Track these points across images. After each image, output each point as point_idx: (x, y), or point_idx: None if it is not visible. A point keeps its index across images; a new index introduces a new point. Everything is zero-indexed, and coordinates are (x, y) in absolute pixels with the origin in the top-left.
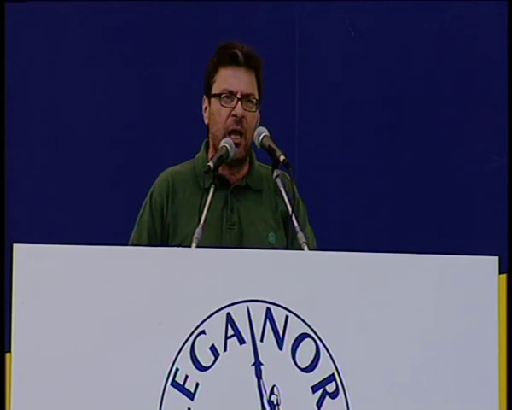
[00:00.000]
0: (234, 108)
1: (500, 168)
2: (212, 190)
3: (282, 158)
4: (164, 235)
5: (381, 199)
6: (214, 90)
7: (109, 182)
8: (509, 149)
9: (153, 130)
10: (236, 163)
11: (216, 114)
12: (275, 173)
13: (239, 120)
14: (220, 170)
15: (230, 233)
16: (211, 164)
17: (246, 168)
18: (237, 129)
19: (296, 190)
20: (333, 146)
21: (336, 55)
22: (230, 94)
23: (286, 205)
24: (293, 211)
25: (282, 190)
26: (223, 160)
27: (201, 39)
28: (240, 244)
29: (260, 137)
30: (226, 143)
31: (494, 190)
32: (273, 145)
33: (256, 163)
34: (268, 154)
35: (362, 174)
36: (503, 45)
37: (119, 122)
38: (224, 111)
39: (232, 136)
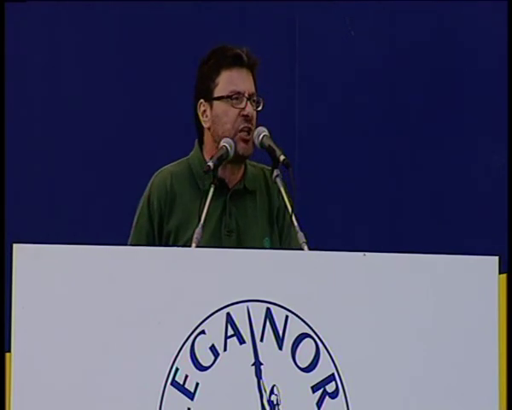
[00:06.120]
0: (244, 108)
1: (500, 168)
2: (211, 190)
3: (282, 158)
4: (161, 239)
5: (382, 199)
6: (219, 93)
7: (109, 182)
8: (509, 149)
9: (153, 129)
10: (241, 161)
11: (222, 115)
12: (275, 173)
13: (249, 119)
14: (220, 172)
15: (229, 240)
16: (210, 164)
17: (243, 169)
18: (247, 127)
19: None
20: (333, 146)
21: (336, 55)
22: (239, 95)
23: (280, 201)
24: (293, 211)
25: (282, 190)
26: (223, 159)
27: (201, 39)
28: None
29: (260, 137)
30: (226, 142)
31: (494, 190)
32: (273, 145)
33: (247, 163)
34: (268, 154)
35: (362, 174)
36: (503, 45)
37: (120, 122)
38: (233, 112)
39: (242, 134)
